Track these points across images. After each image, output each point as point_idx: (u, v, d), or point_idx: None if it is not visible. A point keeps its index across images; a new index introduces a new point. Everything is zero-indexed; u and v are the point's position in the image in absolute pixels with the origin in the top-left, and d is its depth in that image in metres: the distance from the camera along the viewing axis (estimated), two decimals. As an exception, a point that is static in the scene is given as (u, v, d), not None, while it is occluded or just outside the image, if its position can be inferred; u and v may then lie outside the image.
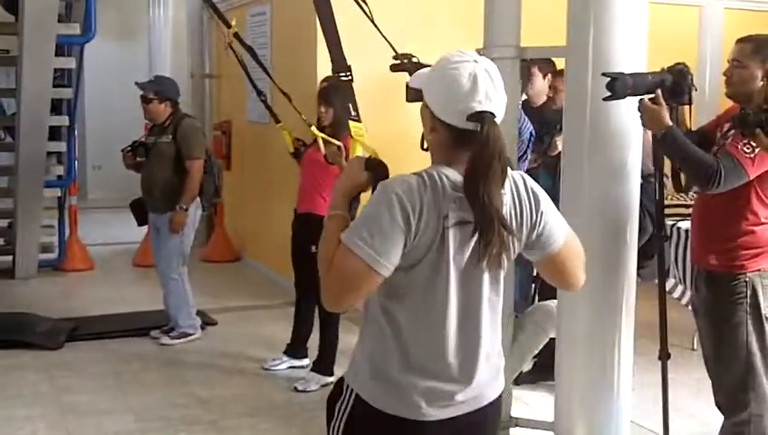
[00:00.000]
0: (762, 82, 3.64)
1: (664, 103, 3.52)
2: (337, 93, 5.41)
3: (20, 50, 7.06)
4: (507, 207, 2.19)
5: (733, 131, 3.64)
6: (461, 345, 2.20)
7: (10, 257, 8.57)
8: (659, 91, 3.51)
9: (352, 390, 2.27)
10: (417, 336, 2.18)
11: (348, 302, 2.16)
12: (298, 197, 5.79)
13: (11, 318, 6.80)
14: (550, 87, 5.86)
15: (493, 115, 2.13)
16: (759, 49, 3.64)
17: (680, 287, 5.76)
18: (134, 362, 6.07)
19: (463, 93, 2.12)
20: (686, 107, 3.74)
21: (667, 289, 6.03)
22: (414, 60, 3.90)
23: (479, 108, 2.11)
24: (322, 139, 5.34)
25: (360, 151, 2.45)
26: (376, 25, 3.18)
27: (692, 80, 3.61)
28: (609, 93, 3.31)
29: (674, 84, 3.57)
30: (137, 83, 6.47)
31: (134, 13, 13.44)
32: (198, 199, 6.41)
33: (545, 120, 5.64)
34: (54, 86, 7.65)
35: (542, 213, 2.26)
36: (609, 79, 3.28)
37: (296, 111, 5.78)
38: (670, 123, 3.53)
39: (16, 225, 8.23)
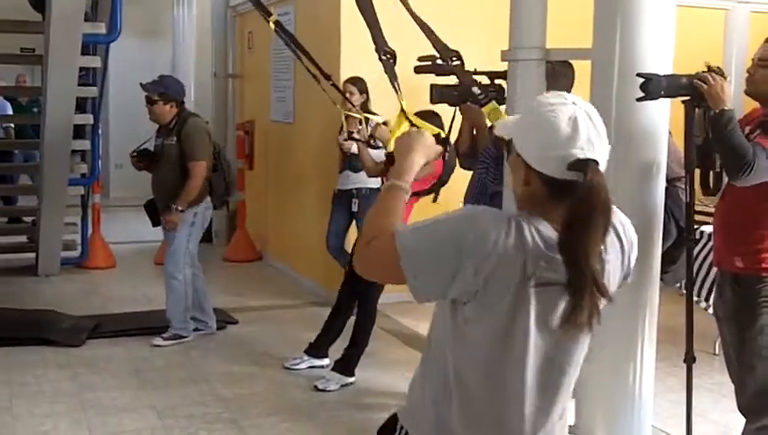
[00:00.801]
0: None
1: (726, 77, 3.51)
2: (427, 119, 5.43)
3: (46, 48, 7.10)
4: (611, 265, 2.02)
5: (755, 135, 3.63)
6: (536, 406, 2.02)
7: (33, 255, 8.63)
8: (715, 74, 3.50)
9: (407, 432, 2.14)
10: (488, 394, 2.01)
11: (374, 279, 2.22)
12: None
13: (33, 315, 6.85)
14: None
15: (596, 163, 1.90)
16: None
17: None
18: (155, 359, 6.09)
19: (562, 139, 1.90)
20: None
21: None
22: (438, 62, 3.90)
23: (581, 155, 1.89)
24: (366, 118, 5.37)
25: (403, 128, 2.43)
26: (423, 25, 3.17)
27: None
28: (642, 94, 3.29)
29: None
30: (141, 84, 6.42)
31: (159, 12, 13.52)
32: (209, 199, 6.42)
33: None
34: (79, 85, 7.69)
35: (634, 261, 2.13)
36: (643, 79, 3.27)
37: (341, 95, 5.78)
38: (729, 104, 3.51)
39: (40, 222, 8.28)
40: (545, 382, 2.02)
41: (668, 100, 3.50)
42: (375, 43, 2.86)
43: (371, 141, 5.55)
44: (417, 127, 2.36)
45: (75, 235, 9.19)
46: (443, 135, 2.30)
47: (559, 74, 5.41)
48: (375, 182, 6.85)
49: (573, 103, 1.95)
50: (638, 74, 3.28)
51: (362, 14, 2.89)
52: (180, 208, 6.19)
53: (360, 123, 5.76)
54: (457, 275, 1.91)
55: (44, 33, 7.15)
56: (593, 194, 1.87)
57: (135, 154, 6.51)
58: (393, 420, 2.19)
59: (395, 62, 2.89)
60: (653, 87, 3.29)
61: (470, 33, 6.76)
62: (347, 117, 5.77)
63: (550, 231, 1.92)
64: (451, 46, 3.32)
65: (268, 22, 5.76)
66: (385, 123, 5.23)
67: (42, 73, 7.68)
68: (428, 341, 2.14)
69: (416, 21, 2.97)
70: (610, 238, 1.99)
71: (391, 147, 2.36)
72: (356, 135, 5.76)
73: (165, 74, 6.70)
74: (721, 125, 3.51)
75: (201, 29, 11.95)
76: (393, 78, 2.78)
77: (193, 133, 6.26)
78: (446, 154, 2.25)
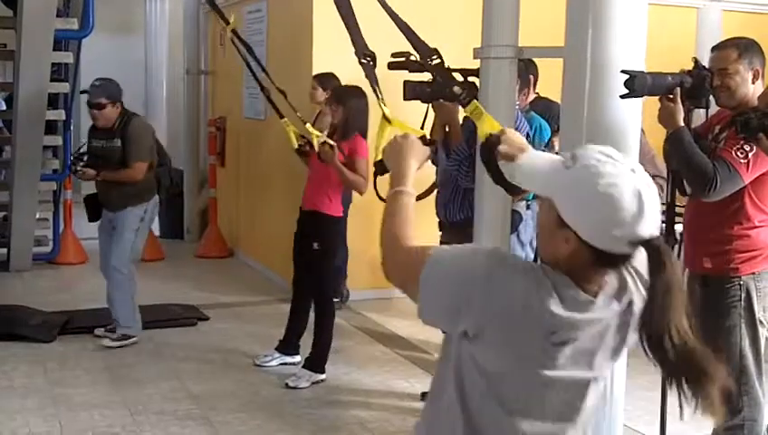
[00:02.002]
0: (753, 85, 3.68)
1: (680, 103, 3.55)
2: (350, 94, 5.45)
3: (18, 44, 7.04)
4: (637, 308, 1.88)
5: (725, 134, 3.67)
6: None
7: (5, 250, 8.56)
8: (678, 90, 3.54)
9: None
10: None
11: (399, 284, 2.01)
12: (304, 194, 5.79)
13: (4, 311, 6.79)
14: None
15: (665, 244, 1.78)
16: (743, 53, 3.68)
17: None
18: (127, 355, 6.07)
19: (627, 218, 1.74)
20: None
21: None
22: (412, 58, 3.90)
23: (647, 234, 1.75)
24: (316, 137, 5.37)
25: (387, 134, 2.42)
26: (402, 24, 3.16)
27: (711, 84, 3.63)
28: (626, 91, 3.31)
29: (693, 87, 3.60)
30: (87, 92, 6.28)
31: (131, 8, 13.43)
32: (157, 197, 6.39)
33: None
34: (51, 80, 7.63)
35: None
36: (627, 77, 3.29)
37: (291, 109, 5.78)
38: (681, 124, 3.56)
39: (11, 218, 8.22)
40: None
41: (641, 98, 3.53)
42: (354, 45, 2.85)
43: (319, 157, 5.49)
44: (402, 131, 2.35)
45: (47, 230, 9.14)
46: (428, 136, 2.29)
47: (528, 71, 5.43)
48: None
49: (632, 171, 1.78)
50: (623, 71, 3.30)
51: (340, 14, 2.88)
52: (97, 176, 6.18)
53: (303, 138, 5.71)
54: (463, 312, 1.85)
55: (16, 29, 7.09)
56: (674, 284, 1.75)
57: (81, 165, 6.32)
58: None
59: (375, 65, 2.89)
60: (638, 85, 3.31)
61: (443, 31, 6.77)
62: (299, 133, 5.73)
63: (582, 296, 1.83)
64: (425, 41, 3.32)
65: (225, 30, 5.77)
66: (332, 147, 5.25)
67: (14, 69, 7.61)
68: (437, 390, 2.03)
69: (394, 20, 2.96)
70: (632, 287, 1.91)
71: (379, 155, 2.35)
72: (306, 148, 5.73)
73: (102, 77, 6.52)
74: (673, 143, 3.60)
75: (173, 25, 11.89)
76: (374, 82, 2.76)
77: (137, 134, 6.18)
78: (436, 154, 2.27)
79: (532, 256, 5.06)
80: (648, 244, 1.76)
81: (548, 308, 1.79)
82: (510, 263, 1.87)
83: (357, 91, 5.44)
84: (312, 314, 5.76)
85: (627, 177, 1.75)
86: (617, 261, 1.82)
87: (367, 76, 2.80)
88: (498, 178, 2.82)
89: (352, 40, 2.83)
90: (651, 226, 1.75)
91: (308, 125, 5.57)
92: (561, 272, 1.84)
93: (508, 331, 1.83)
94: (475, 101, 2.53)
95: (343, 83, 6.58)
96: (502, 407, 1.89)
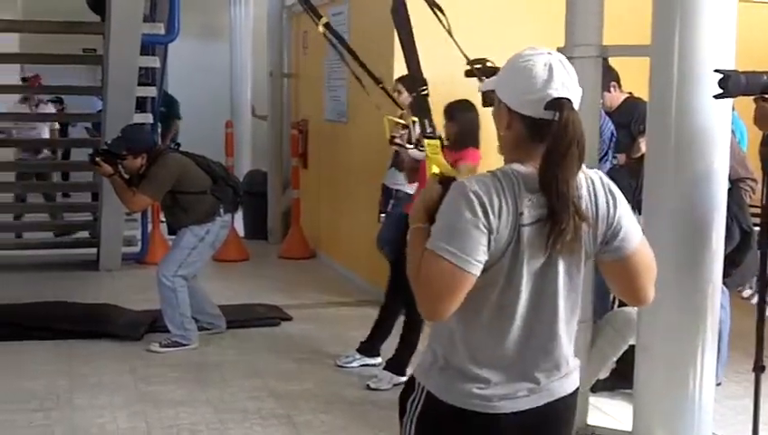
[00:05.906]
0: None
1: None
2: (462, 109, 5.41)
3: (106, 49, 7.20)
4: (584, 202, 2.15)
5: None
6: (532, 341, 2.19)
7: (95, 250, 8.76)
8: None
9: (423, 386, 2.28)
10: (488, 333, 2.19)
11: (445, 307, 2.12)
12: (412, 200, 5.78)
13: (94, 309, 6.95)
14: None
15: (570, 102, 2.11)
16: None
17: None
18: (212, 354, 6.15)
19: (539, 83, 2.11)
20: None
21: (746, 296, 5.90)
22: (488, 64, 3.84)
23: (556, 94, 2.10)
24: (413, 121, 5.37)
25: (435, 169, 2.43)
26: (453, 38, 3.16)
27: None
28: (719, 91, 3.23)
29: None
30: (106, 143, 6.17)
31: (216, 13, 13.64)
32: (227, 218, 6.34)
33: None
34: (139, 84, 7.78)
35: (618, 213, 2.21)
36: (721, 76, 3.20)
37: (387, 96, 5.78)
38: None
39: (101, 218, 8.40)
40: (536, 319, 2.18)
41: (731, 99, 3.43)
42: (410, 75, 2.89)
43: (418, 146, 5.47)
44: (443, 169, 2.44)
45: (135, 231, 9.32)
46: (452, 175, 2.35)
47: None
48: (413, 187, 6.79)
49: (548, 53, 2.18)
50: (716, 70, 3.22)
51: (399, 38, 2.91)
52: (112, 176, 6.05)
53: (405, 127, 5.66)
54: (489, 233, 2.07)
55: (104, 34, 7.25)
56: (568, 128, 2.07)
57: (101, 159, 6.06)
58: (411, 382, 2.35)
59: (428, 95, 2.92)
60: (732, 85, 3.22)
61: (521, 32, 6.72)
62: (395, 121, 5.68)
63: (530, 171, 2.12)
64: (503, 45, 3.27)
65: (317, 24, 5.78)
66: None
67: (102, 73, 7.78)
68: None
69: (400, 39, 2.97)
70: (584, 183, 2.17)
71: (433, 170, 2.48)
72: (398, 140, 5.69)
73: (128, 126, 6.55)
74: None
75: (257, 29, 12.03)
76: (426, 116, 2.82)
77: (153, 172, 6.02)
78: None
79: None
80: (556, 103, 2.09)
81: (515, 188, 2.10)
82: (473, 183, 2.10)
83: (468, 105, 5.38)
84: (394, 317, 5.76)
85: (541, 55, 2.16)
86: (543, 128, 2.10)
87: (420, 110, 2.89)
88: None
89: (409, 71, 2.89)
90: (560, 90, 2.11)
91: (405, 112, 5.59)
92: (512, 160, 2.16)
93: (504, 225, 2.08)
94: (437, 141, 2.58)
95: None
96: (492, 296, 2.15)
